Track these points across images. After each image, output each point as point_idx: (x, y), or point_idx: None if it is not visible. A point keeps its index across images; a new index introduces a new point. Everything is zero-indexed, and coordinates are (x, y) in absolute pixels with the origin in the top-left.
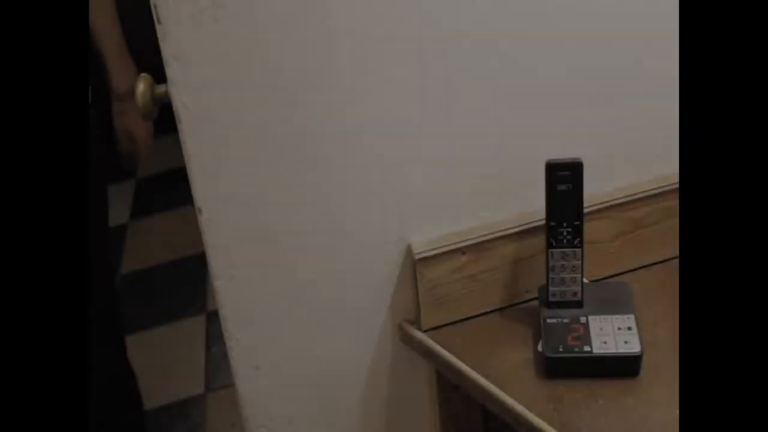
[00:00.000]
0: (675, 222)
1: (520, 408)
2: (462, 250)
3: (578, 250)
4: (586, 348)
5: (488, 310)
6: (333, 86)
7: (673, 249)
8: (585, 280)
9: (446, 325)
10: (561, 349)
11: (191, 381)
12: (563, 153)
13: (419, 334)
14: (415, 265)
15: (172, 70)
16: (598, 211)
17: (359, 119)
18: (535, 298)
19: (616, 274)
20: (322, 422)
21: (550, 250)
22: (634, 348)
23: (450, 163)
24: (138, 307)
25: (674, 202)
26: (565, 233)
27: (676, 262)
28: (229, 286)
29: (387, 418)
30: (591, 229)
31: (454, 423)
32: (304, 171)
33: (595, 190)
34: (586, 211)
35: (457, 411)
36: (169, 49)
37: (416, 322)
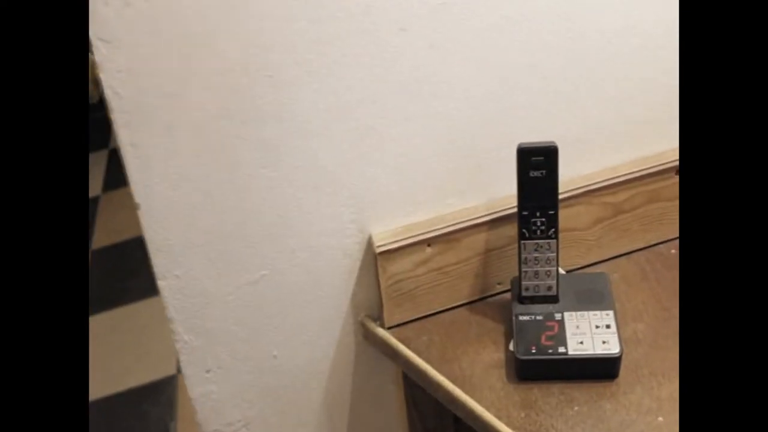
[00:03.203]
0: (657, 206)
1: (488, 416)
2: (427, 242)
3: (553, 241)
4: (561, 349)
5: (457, 304)
6: (280, 69)
7: (655, 235)
8: (561, 271)
9: (411, 321)
10: (534, 351)
11: (164, 361)
12: (536, 136)
13: (382, 332)
14: (376, 259)
15: (99, 54)
16: (575, 196)
17: (311, 104)
18: (508, 290)
19: (595, 263)
20: (281, 425)
21: (522, 242)
22: (613, 349)
23: (413, 148)
24: (109, 284)
25: (657, 185)
26: (538, 223)
27: (659, 248)
28: (175, 286)
29: (352, 419)
30: (567, 216)
31: (423, 424)
32: (252, 160)
33: (571, 174)
34: (561, 196)
35: (426, 411)
36: (96, 30)
37: (379, 319)
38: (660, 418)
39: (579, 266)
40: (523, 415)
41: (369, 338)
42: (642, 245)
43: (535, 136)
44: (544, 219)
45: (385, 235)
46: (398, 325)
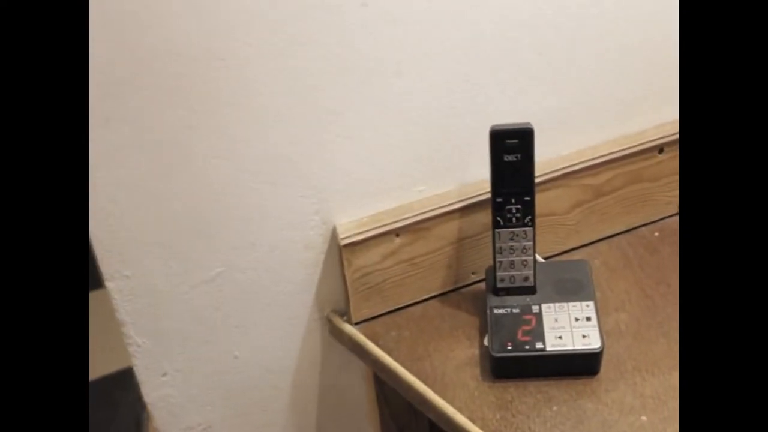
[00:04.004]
0: (639, 187)
1: (461, 419)
2: (396, 232)
3: (529, 229)
4: (539, 345)
5: (428, 296)
6: (232, 51)
7: (637, 217)
8: (539, 258)
9: (380, 316)
10: (510, 347)
11: None
12: (511, 116)
13: (349, 328)
14: (341, 252)
15: None
16: (553, 179)
17: (266, 88)
18: (483, 280)
19: (575, 249)
20: (245, 428)
21: (496, 230)
22: (594, 344)
23: (379, 133)
24: None
25: (639, 165)
26: (513, 210)
27: (642, 231)
28: (125, 287)
29: (321, 419)
30: (545, 200)
31: (395, 421)
32: (204, 150)
33: (549, 155)
34: (539, 179)
35: (398, 408)
36: None
37: (346, 314)
38: (643, 418)
39: (558, 252)
40: (498, 416)
41: (335, 334)
42: (623, 228)
43: (510, 117)
44: (519, 206)
45: (350, 226)
46: (366, 321)
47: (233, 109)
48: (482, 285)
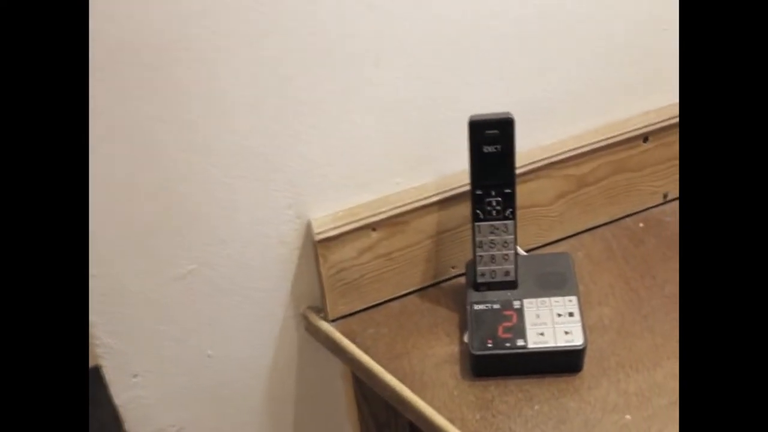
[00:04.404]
0: (624, 177)
1: (440, 419)
2: (372, 226)
3: (510, 222)
4: (520, 342)
5: (407, 292)
6: (199, 41)
7: (621, 208)
8: (521, 251)
9: (357, 312)
10: (490, 345)
11: None
12: (491, 106)
13: (325, 325)
14: (316, 247)
15: None
16: (535, 169)
17: (235, 79)
18: (463, 274)
19: (557, 241)
20: (220, 428)
21: (476, 224)
22: (576, 341)
23: (353, 124)
24: None
25: (623, 155)
26: (494, 203)
27: (626, 222)
28: (92, 287)
29: (298, 418)
30: (527, 191)
31: (374, 419)
32: (174, 144)
33: (530, 145)
34: (520, 170)
35: (377, 406)
36: None
37: (323, 310)
38: (627, 416)
39: (540, 244)
40: (478, 416)
41: (312, 332)
42: (607, 219)
43: (490, 107)
44: (500, 198)
45: (325, 221)
46: (343, 317)
47: (203, 102)
48: (462, 279)
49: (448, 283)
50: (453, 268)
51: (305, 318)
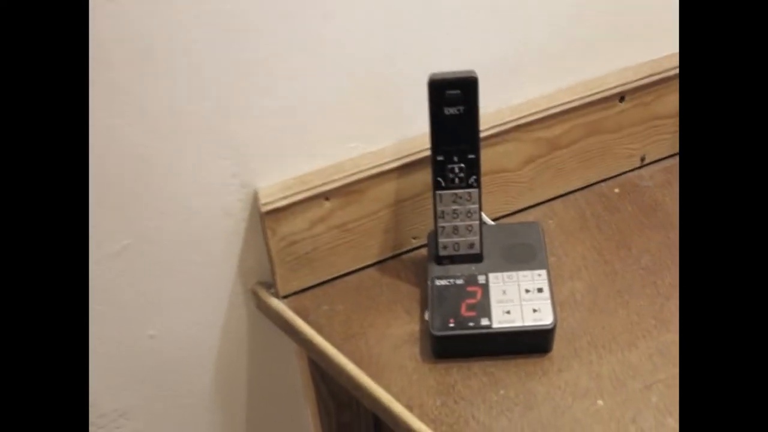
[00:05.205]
0: (598, 140)
1: (397, 407)
2: (325, 195)
3: (474, 190)
4: (484, 321)
5: (364, 265)
6: None
7: (596, 172)
8: (488, 220)
9: (311, 288)
10: (452, 325)
11: None
12: (453, 63)
13: (275, 302)
14: (263, 219)
15: None
16: (503, 132)
17: (171, 35)
18: (426, 245)
19: (527, 208)
20: (166, 412)
21: (437, 192)
22: (545, 319)
23: (304, 85)
24: None
25: (598, 116)
26: (456, 170)
27: (601, 187)
28: None
29: (251, 399)
30: (494, 156)
31: (333, 398)
32: (103, 109)
33: (498, 105)
34: (486, 133)
35: (337, 388)
36: None
37: (273, 286)
38: (600, 402)
39: (509, 212)
40: (438, 403)
41: (262, 309)
42: (581, 185)
43: (452, 64)
44: (463, 165)
45: (273, 190)
46: (295, 294)
47: (132, 61)
48: (425, 251)
49: (409, 255)
50: (414, 239)
51: (255, 294)
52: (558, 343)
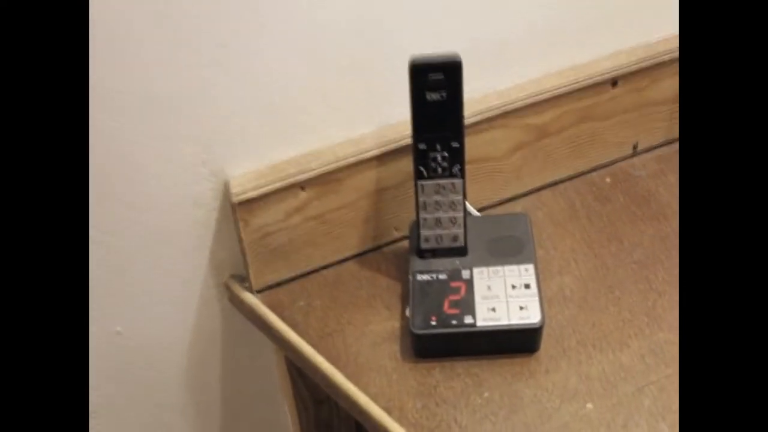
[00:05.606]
0: (589, 127)
1: (375, 410)
2: (301, 185)
3: (458, 181)
4: (468, 319)
5: (343, 257)
6: None
7: (586, 161)
8: (473, 211)
9: (286, 281)
10: (434, 323)
11: None
12: (436, 44)
13: (249, 297)
14: (235, 210)
15: None
16: (489, 118)
17: (134, 15)
18: (408, 237)
19: (515, 198)
20: (137, 411)
21: (419, 182)
22: (533, 318)
23: (278, 67)
24: None
25: (589, 102)
26: (439, 159)
27: (591, 176)
28: None
29: (226, 396)
30: (480, 143)
31: (311, 393)
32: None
33: (484, 90)
34: (472, 119)
35: (313, 386)
36: None
37: (247, 280)
38: (589, 405)
39: (495, 203)
40: (419, 405)
41: (236, 303)
42: (570, 174)
43: (437, 45)
44: (446, 153)
45: (245, 179)
46: (269, 288)
47: (95, 44)
48: (407, 243)
49: (390, 247)
50: (396, 230)
51: (228, 288)
52: (545, 342)
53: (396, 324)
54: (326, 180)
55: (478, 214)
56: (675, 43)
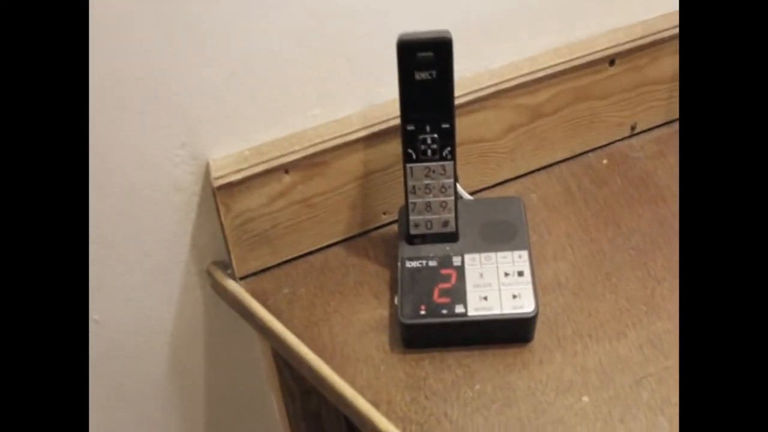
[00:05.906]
0: (586, 107)
1: (362, 403)
2: (285, 168)
3: (449, 163)
4: (459, 309)
5: (329, 243)
6: None
7: (583, 142)
8: (465, 195)
9: (270, 268)
10: (423, 312)
11: None
12: (426, 22)
13: (232, 284)
14: (216, 195)
15: None
16: (481, 99)
17: None
18: (397, 221)
19: (509, 180)
20: (114, 404)
21: (408, 165)
22: (526, 307)
23: (261, 44)
24: None
25: (586, 80)
26: (429, 141)
27: (588, 158)
28: None
29: (210, 386)
30: (472, 124)
31: (298, 384)
32: None
33: (476, 69)
34: (463, 99)
35: (300, 375)
36: None
37: (229, 266)
38: (584, 398)
39: (488, 186)
40: (408, 398)
41: (219, 290)
42: (566, 155)
43: (426, 22)
44: (436, 135)
45: (226, 162)
46: (253, 275)
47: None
48: (396, 227)
49: (379, 231)
50: (385, 214)
51: (210, 275)
52: (540, 332)
53: (384, 313)
54: (311, 163)
55: (469, 197)
56: (675, 20)
